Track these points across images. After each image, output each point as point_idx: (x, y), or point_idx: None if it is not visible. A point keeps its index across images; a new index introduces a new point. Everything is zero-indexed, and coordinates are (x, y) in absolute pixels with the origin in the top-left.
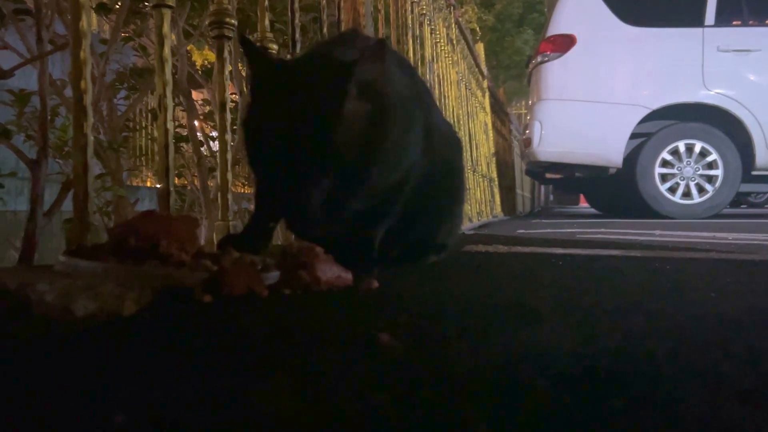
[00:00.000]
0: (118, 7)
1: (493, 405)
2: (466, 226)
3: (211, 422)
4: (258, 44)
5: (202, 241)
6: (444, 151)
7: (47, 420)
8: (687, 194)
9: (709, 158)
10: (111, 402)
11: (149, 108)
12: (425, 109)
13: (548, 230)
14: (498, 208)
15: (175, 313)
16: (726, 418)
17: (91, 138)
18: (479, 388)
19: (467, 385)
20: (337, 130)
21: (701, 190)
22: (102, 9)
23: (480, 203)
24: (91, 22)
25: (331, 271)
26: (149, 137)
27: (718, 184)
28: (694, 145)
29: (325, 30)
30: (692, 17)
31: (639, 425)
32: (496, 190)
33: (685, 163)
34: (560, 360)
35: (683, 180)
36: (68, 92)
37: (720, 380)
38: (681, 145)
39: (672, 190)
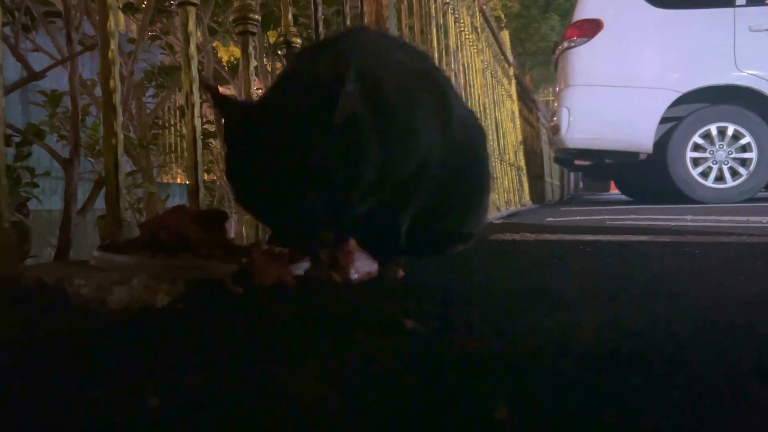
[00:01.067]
0: (144, 6)
1: (515, 385)
2: (493, 215)
3: (238, 405)
4: (282, 38)
5: (232, 234)
6: (466, 138)
7: (86, 402)
8: (720, 178)
9: (743, 141)
10: (145, 387)
11: (177, 105)
12: (437, 90)
13: (577, 218)
14: (526, 197)
15: (206, 304)
16: (744, 395)
17: (121, 136)
18: (502, 369)
19: (490, 367)
20: (315, 149)
21: (735, 173)
22: (129, 9)
23: (508, 192)
24: (118, 22)
25: (362, 269)
26: (178, 134)
27: (752, 167)
28: (726, 128)
29: (348, 22)
30: None
31: (658, 403)
32: (525, 179)
33: (717, 146)
34: (583, 342)
35: (716, 164)
36: (98, 92)
37: (741, 359)
38: (713, 129)
39: (704, 174)
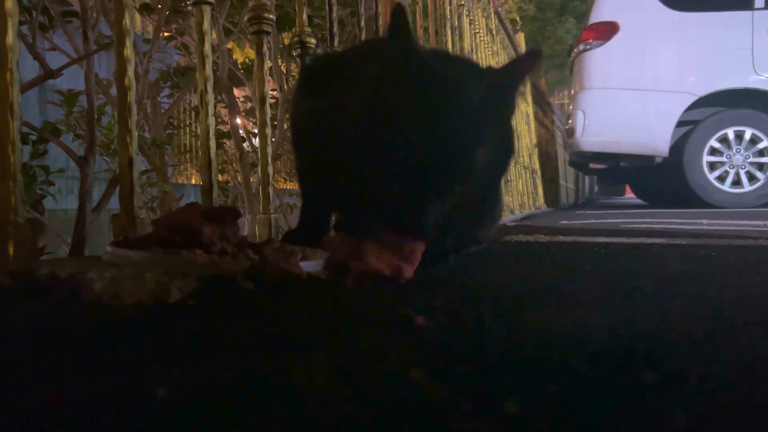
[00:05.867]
0: (160, 7)
1: (526, 380)
2: (507, 218)
3: (247, 394)
4: (296, 38)
5: (244, 232)
6: None
7: (95, 391)
8: (737, 183)
9: (761, 145)
10: (155, 378)
11: (192, 106)
12: None
13: (592, 221)
14: (541, 200)
15: (218, 300)
16: (759, 392)
17: (135, 134)
18: (513, 365)
19: (501, 362)
20: (480, 150)
21: (752, 178)
22: (145, 9)
23: (522, 195)
24: (134, 20)
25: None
26: (193, 135)
27: None
28: (743, 131)
29: (362, 23)
30: (740, 0)
31: (672, 399)
32: (539, 182)
33: (734, 150)
34: (596, 340)
35: (733, 168)
36: (114, 91)
37: (757, 357)
38: (730, 132)
39: (721, 178)
